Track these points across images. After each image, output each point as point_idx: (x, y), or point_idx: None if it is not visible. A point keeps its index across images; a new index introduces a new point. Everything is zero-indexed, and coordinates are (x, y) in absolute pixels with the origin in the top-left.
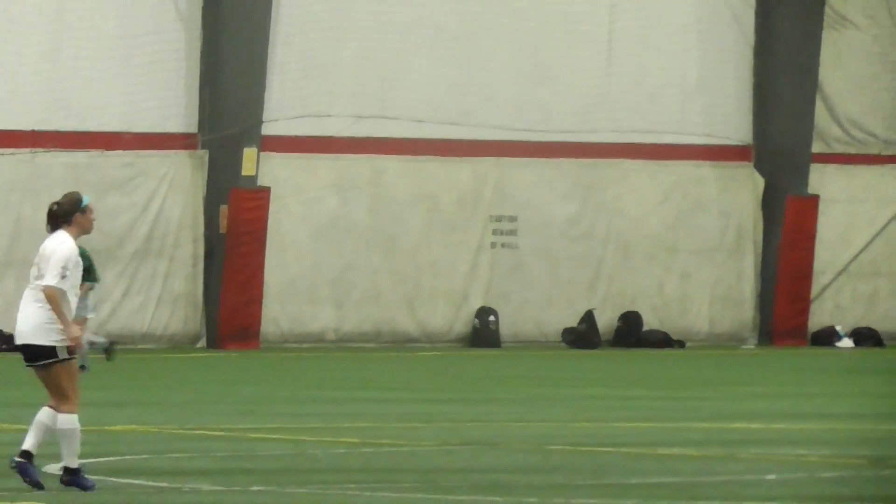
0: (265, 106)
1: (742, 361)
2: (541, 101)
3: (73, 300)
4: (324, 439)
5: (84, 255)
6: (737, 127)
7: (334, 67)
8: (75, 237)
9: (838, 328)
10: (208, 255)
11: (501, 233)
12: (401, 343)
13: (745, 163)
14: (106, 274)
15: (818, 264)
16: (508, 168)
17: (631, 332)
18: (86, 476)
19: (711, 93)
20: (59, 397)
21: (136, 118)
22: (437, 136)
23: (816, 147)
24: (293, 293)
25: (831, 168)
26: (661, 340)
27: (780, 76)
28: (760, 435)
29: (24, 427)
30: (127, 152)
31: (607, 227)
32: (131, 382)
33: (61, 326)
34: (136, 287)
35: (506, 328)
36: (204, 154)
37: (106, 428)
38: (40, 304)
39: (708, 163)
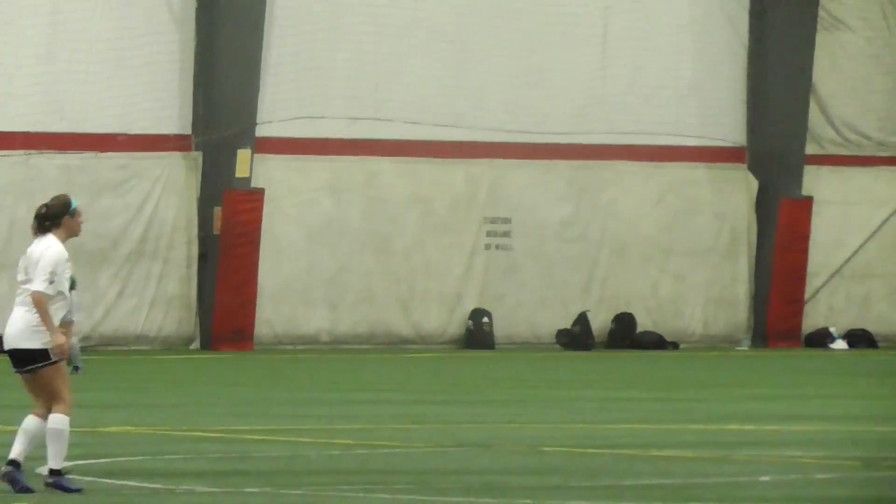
0: (259, 108)
1: (736, 363)
2: (535, 103)
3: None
4: (318, 441)
5: None
6: (731, 129)
7: (328, 69)
8: (63, 240)
9: (832, 330)
10: (202, 257)
11: (495, 234)
12: (395, 345)
13: (739, 164)
14: (100, 276)
15: (812, 266)
16: (502, 170)
17: (625, 333)
18: (70, 477)
19: (705, 95)
20: (53, 399)
21: (130, 120)
22: (432, 137)
23: (810, 149)
24: (287, 295)
25: (825, 170)
26: (655, 342)
27: (774, 78)
28: (754, 436)
29: (15, 429)
30: (121, 154)
31: (601, 229)
32: (125, 384)
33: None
34: (130, 289)
35: (500, 330)
36: (198, 156)
37: (100, 429)
38: (27, 308)
39: (702, 164)
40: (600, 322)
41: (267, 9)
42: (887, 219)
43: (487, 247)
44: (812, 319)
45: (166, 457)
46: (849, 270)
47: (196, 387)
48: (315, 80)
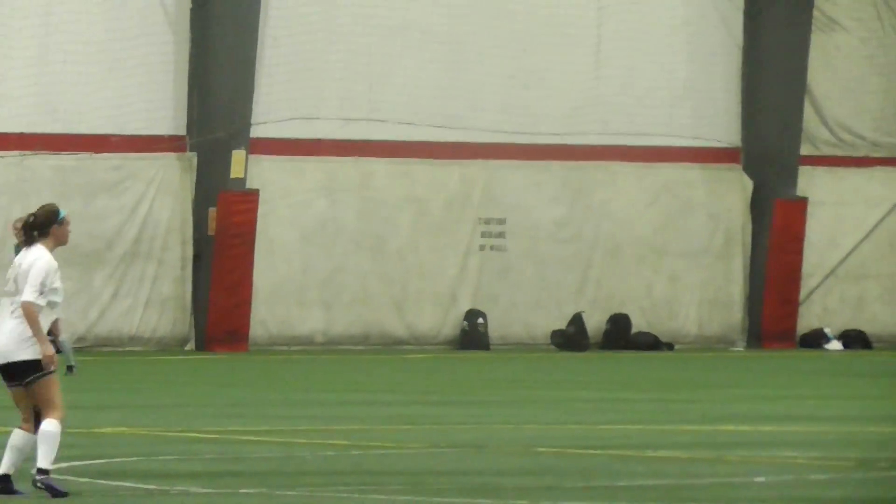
0: (254, 109)
1: (730, 364)
2: (529, 104)
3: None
4: (313, 442)
5: None
6: (725, 129)
7: (323, 70)
8: (51, 249)
9: (827, 330)
10: (197, 258)
11: (490, 235)
12: (389, 346)
13: (734, 165)
14: (94, 277)
15: (806, 267)
16: (497, 171)
17: (619, 334)
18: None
19: (700, 95)
20: (46, 408)
21: (124, 121)
22: (426, 138)
23: (805, 149)
24: (282, 296)
25: (820, 170)
26: (650, 343)
27: (769, 79)
28: (749, 437)
29: (9, 430)
30: (115, 155)
31: (596, 230)
32: (120, 385)
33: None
34: (124, 290)
35: (494, 331)
36: (192, 157)
37: (94, 430)
38: (20, 320)
39: (696, 165)
40: (595, 323)
41: (261, 10)
42: (882, 219)
43: (482, 247)
44: (807, 320)
45: (161, 458)
46: (843, 271)
47: (191, 388)
48: (309, 81)
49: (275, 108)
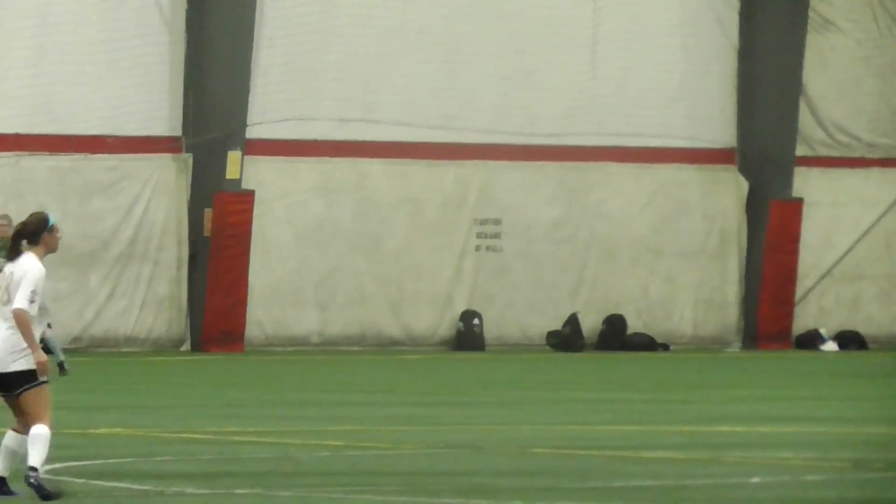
0: (249, 109)
1: (726, 365)
2: (525, 105)
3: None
4: (308, 442)
5: None
6: (721, 130)
7: (318, 71)
8: (41, 257)
9: (822, 331)
10: (192, 259)
11: (485, 236)
12: (385, 346)
13: (729, 166)
14: (90, 277)
15: (802, 267)
16: (492, 171)
17: (615, 335)
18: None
19: (695, 96)
20: (34, 418)
21: (120, 122)
22: (421, 139)
23: (800, 150)
24: (277, 296)
25: (815, 171)
26: (646, 344)
27: (764, 79)
28: (744, 438)
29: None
30: (111, 156)
31: (591, 231)
32: (115, 386)
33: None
34: (120, 290)
35: (490, 331)
36: (188, 157)
37: (90, 431)
38: (13, 330)
39: (692, 166)
40: (590, 323)
41: (257, 10)
42: (877, 220)
43: (477, 248)
44: (802, 321)
45: (156, 458)
46: (839, 272)
47: (186, 388)
48: (305, 81)
49: (270, 108)
